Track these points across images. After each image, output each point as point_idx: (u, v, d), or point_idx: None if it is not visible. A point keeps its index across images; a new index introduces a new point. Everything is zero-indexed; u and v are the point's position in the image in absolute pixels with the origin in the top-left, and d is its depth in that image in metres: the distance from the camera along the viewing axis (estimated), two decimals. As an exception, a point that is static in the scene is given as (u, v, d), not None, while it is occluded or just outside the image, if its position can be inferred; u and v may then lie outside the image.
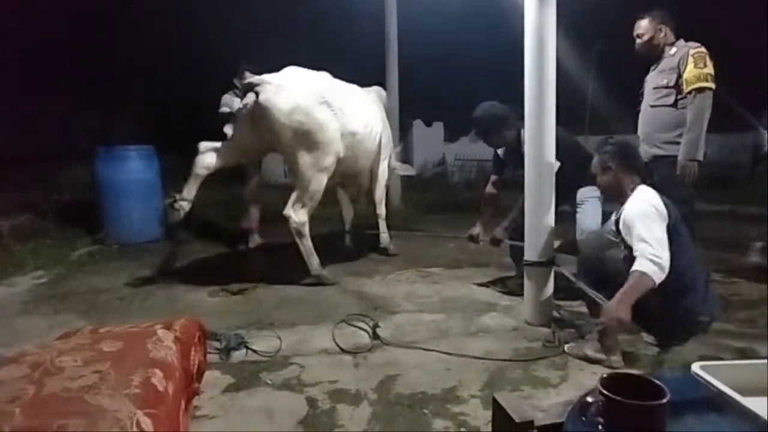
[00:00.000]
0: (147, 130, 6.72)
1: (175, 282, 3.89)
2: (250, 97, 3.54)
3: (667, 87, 3.22)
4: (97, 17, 9.47)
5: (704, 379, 0.99)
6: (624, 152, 2.47)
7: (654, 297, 2.17)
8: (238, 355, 2.62)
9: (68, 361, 1.42)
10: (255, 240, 5.29)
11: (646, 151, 3.28)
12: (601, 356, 2.42)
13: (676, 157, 3.13)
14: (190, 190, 3.75)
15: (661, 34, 3.26)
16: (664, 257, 2.11)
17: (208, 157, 3.76)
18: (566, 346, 2.59)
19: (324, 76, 3.91)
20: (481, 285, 3.81)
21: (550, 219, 2.93)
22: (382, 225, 4.86)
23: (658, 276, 2.09)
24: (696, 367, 1.03)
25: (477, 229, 3.70)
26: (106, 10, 9.53)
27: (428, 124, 11.72)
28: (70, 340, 1.73)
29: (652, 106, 3.31)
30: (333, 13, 9.43)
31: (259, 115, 3.55)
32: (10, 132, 7.57)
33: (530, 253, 2.97)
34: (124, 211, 5.31)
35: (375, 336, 2.81)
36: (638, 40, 3.34)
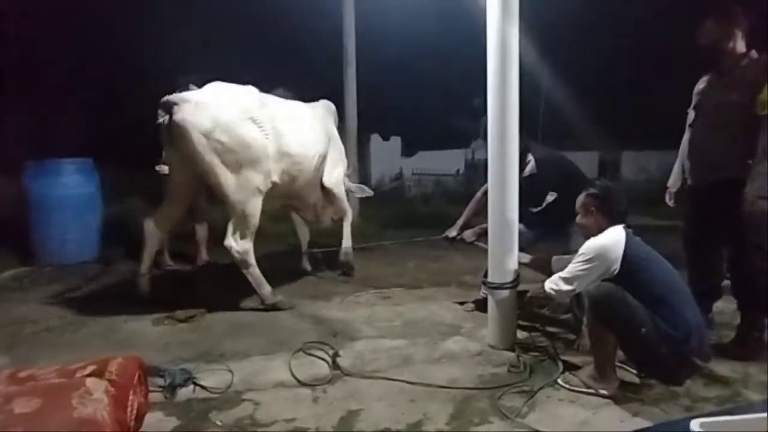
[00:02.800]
0: (87, 142, 6.27)
1: (115, 308, 3.57)
2: (165, 118, 3.24)
3: (735, 105, 2.68)
4: (35, 19, 8.87)
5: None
6: (609, 197, 2.50)
7: (643, 335, 2.20)
8: (184, 393, 2.39)
9: (-32, 430, 1.18)
10: (202, 259, 5.07)
11: (698, 175, 2.93)
12: (594, 385, 2.37)
13: (735, 185, 2.63)
14: (145, 265, 3.75)
15: (732, 41, 2.71)
16: (563, 290, 2.48)
17: (155, 228, 3.70)
18: (560, 379, 2.49)
19: (251, 91, 3.64)
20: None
21: (515, 240, 2.88)
22: (347, 236, 4.62)
23: (551, 295, 2.56)
24: (695, 425, 0.95)
25: (453, 231, 3.65)
26: (48, 14, 8.95)
27: (385, 138, 11.73)
28: (-23, 395, 1.47)
29: (713, 126, 2.81)
30: (289, 26, 9.27)
31: (176, 135, 3.26)
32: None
33: (494, 276, 2.90)
34: (56, 230, 4.90)
35: (335, 366, 2.65)
36: (703, 43, 2.79)
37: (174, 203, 3.71)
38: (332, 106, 4.82)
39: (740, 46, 2.74)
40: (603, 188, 2.54)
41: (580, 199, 2.56)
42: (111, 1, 9.21)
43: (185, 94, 3.35)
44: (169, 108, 3.25)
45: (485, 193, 3.57)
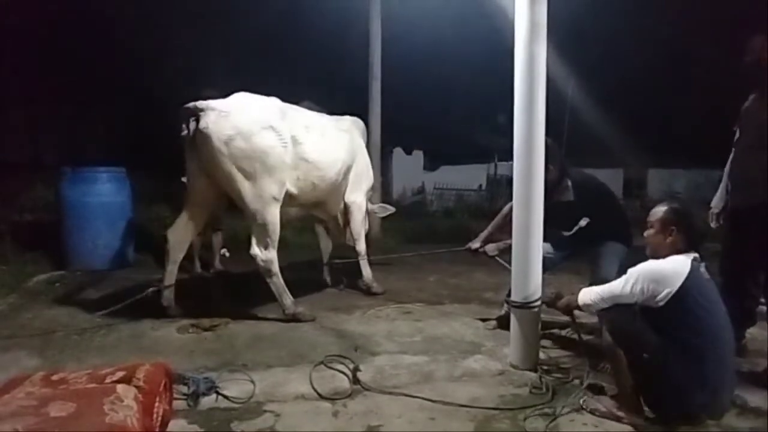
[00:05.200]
0: (120, 152, 6.49)
1: (142, 315, 3.64)
2: (192, 124, 3.39)
3: None
4: (73, 31, 9.22)
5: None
6: (692, 216, 2.32)
7: (645, 360, 2.14)
8: (207, 402, 2.42)
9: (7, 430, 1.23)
10: (217, 267, 5.18)
11: (739, 197, 2.87)
12: (617, 412, 2.30)
13: None
14: (170, 277, 3.74)
15: None
16: (597, 306, 2.39)
17: (178, 238, 3.70)
18: (583, 402, 2.42)
19: (273, 101, 3.71)
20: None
21: (539, 259, 2.86)
22: (363, 264, 4.59)
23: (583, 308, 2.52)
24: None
25: (476, 243, 3.64)
26: (83, 25, 9.30)
27: (408, 152, 11.81)
28: (13, 397, 1.52)
29: (757, 147, 2.72)
30: (316, 43, 9.44)
31: (199, 143, 3.40)
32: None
33: (517, 294, 2.88)
34: (89, 236, 5.07)
35: (355, 380, 2.65)
36: (748, 60, 2.76)
37: (193, 213, 3.74)
38: (361, 123, 4.88)
39: None
40: (685, 205, 2.37)
41: (659, 213, 2.33)
42: (144, 15, 9.52)
43: (209, 102, 3.44)
44: (193, 115, 3.37)
45: (512, 209, 3.58)
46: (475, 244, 3.66)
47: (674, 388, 2.14)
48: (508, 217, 3.55)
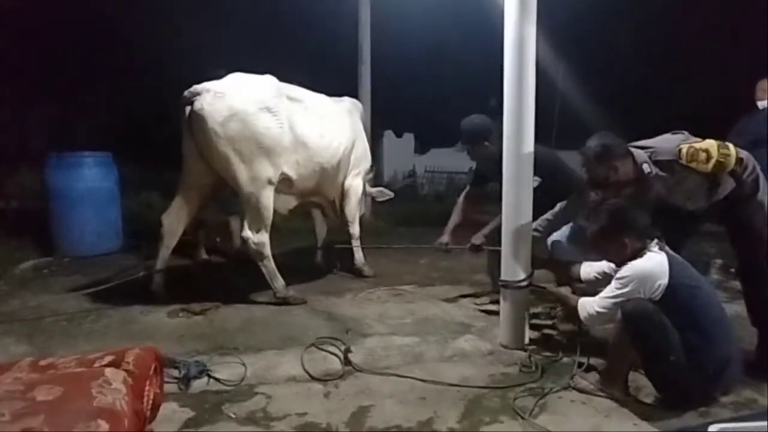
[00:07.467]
0: (107, 137, 6.39)
1: (132, 300, 3.63)
2: (188, 109, 3.36)
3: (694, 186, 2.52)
4: (60, 18, 9.01)
5: (723, 443, 0.90)
6: (632, 218, 2.33)
7: (671, 363, 2.13)
8: (198, 385, 2.43)
9: (-7, 415, 1.22)
10: (234, 249, 5.12)
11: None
12: (603, 389, 2.34)
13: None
14: (162, 262, 3.73)
15: (620, 172, 2.52)
16: (597, 320, 2.41)
17: (171, 223, 3.66)
18: (573, 383, 2.45)
19: (269, 80, 3.64)
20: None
21: (528, 238, 2.88)
22: (356, 246, 4.56)
23: (584, 321, 2.48)
24: (714, 429, 0.95)
25: (445, 238, 3.65)
26: (70, 11, 9.09)
27: (399, 135, 11.74)
28: (0, 383, 1.51)
29: None
30: (306, 26, 9.30)
31: (195, 125, 3.34)
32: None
33: (507, 274, 2.89)
34: (76, 222, 4.99)
35: (346, 361, 2.67)
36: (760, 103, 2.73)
37: (187, 197, 3.70)
38: (359, 104, 4.81)
39: (627, 169, 2.52)
40: (621, 210, 2.36)
41: (599, 237, 2.37)
42: (133, 1, 9.33)
43: (205, 85, 3.39)
44: (190, 99, 3.33)
45: (467, 196, 3.72)
46: (444, 239, 3.64)
47: (701, 379, 2.15)
48: (464, 204, 3.65)
